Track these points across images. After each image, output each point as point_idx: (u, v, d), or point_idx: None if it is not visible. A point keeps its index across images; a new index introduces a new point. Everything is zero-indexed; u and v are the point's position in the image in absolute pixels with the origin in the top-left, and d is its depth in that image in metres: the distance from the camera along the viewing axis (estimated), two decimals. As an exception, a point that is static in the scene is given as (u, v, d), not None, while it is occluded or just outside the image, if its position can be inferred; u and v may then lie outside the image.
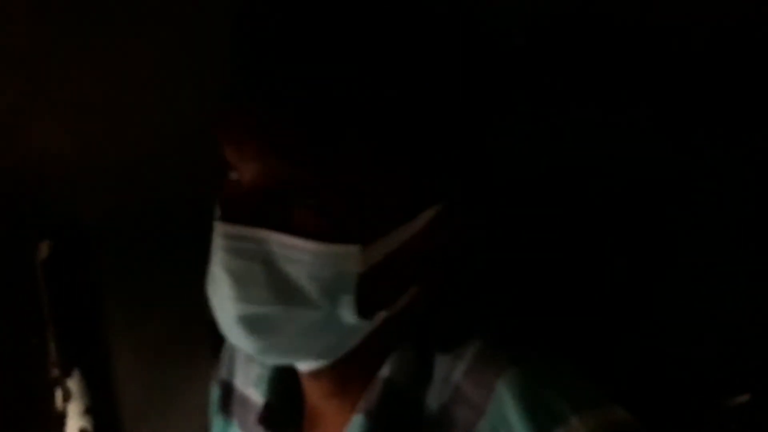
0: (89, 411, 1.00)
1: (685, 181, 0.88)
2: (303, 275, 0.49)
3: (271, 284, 0.49)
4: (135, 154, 0.88)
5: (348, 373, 0.56)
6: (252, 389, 0.68)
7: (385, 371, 0.55)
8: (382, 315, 0.53)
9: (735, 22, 0.67)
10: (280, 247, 0.48)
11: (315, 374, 0.57)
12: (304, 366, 0.57)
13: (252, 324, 0.51)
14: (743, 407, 0.94)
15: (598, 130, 0.82)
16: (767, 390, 0.93)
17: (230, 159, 0.50)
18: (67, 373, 1.00)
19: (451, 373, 0.54)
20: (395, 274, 0.52)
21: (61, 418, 1.00)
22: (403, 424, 0.54)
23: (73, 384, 1.00)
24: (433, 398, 0.54)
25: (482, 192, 0.55)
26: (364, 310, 0.51)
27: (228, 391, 0.72)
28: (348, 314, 0.51)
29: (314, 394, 0.60)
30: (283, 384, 0.63)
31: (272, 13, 0.47)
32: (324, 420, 0.60)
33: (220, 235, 0.49)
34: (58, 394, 1.00)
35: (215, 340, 0.95)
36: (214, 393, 0.74)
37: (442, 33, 0.51)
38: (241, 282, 0.49)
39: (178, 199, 0.95)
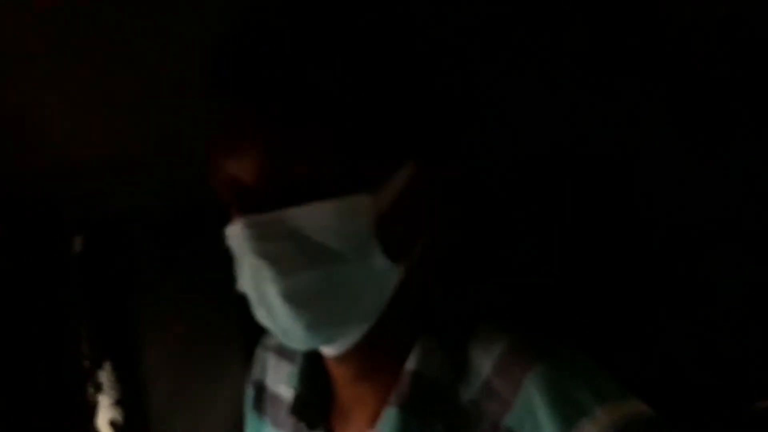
0: (119, 403, 1.02)
1: (697, 172, 0.87)
2: (327, 235, 0.52)
3: (302, 252, 0.52)
4: (170, 148, 0.88)
5: (372, 357, 0.58)
6: (283, 386, 0.70)
7: (411, 364, 0.57)
8: (407, 263, 0.57)
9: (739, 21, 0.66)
10: (299, 218, 0.52)
11: (342, 358, 0.59)
12: (333, 350, 0.58)
13: (296, 297, 0.53)
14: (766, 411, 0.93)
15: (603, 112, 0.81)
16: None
17: (224, 164, 0.54)
18: (98, 365, 1.02)
19: (480, 368, 0.56)
20: (406, 221, 0.56)
21: (92, 409, 1.01)
22: (436, 417, 0.56)
23: (104, 376, 1.02)
24: (464, 393, 0.56)
25: (458, 151, 0.61)
26: (390, 253, 0.54)
27: (260, 391, 0.74)
28: (379, 259, 0.54)
29: (342, 380, 0.61)
30: (313, 377, 0.65)
31: (253, 34, 0.53)
32: (353, 411, 0.61)
33: (241, 227, 0.53)
34: (90, 386, 1.01)
35: (247, 342, 0.96)
36: (248, 392, 0.76)
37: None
38: (276, 260, 0.52)
39: (211, 194, 0.95)
